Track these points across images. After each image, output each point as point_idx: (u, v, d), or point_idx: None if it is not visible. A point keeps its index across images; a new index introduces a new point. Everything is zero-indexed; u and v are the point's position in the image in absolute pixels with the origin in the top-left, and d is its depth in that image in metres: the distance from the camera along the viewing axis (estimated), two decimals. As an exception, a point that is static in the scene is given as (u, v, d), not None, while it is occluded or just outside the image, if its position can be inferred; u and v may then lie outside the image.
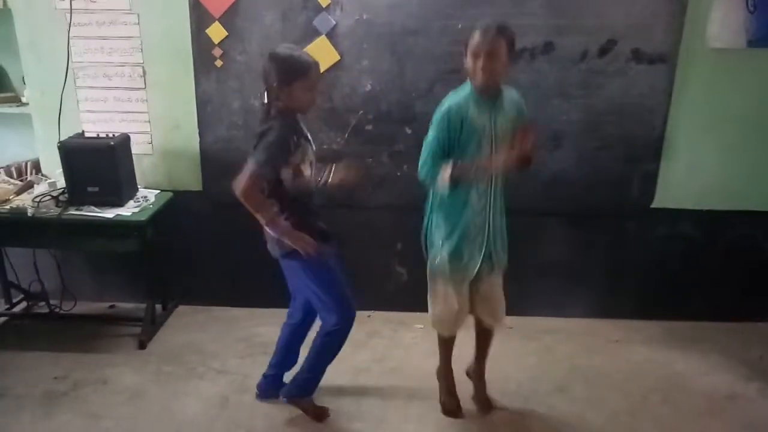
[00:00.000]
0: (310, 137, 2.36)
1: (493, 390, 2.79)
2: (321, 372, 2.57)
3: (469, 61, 2.24)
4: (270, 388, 2.70)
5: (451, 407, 2.65)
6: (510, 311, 3.34)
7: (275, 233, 2.26)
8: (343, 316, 2.41)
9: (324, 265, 2.37)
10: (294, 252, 2.29)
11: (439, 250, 2.43)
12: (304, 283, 2.43)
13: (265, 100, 2.26)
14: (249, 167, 2.16)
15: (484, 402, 2.70)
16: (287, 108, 2.24)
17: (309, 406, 2.62)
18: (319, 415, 2.62)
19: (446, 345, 2.64)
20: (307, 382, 2.58)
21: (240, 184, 2.15)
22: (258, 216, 2.21)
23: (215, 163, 3.19)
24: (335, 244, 2.46)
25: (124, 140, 3.06)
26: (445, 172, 2.24)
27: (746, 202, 3.21)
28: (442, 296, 2.50)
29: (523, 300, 3.37)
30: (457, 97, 2.30)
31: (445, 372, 2.69)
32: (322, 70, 2.97)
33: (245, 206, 2.18)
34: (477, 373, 2.72)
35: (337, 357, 3.03)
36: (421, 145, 2.34)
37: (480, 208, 2.37)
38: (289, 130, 2.23)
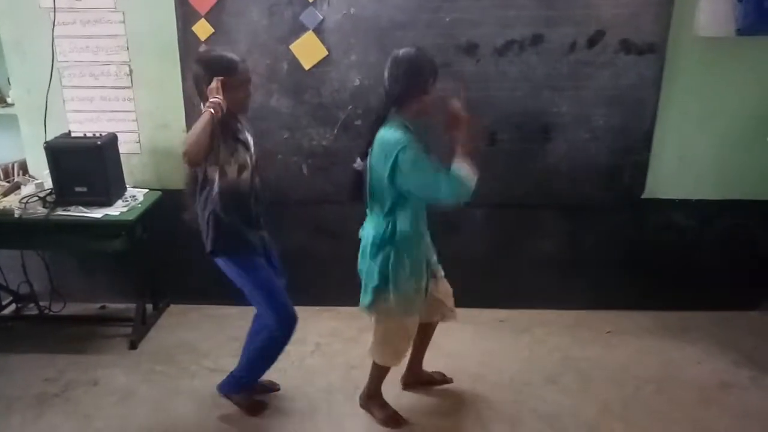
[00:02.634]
0: (249, 141, 2.34)
1: (486, 382, 2.81)
2: (258, 373, 2.56)
3: (426, 97, 2.18)
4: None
5: (399, 419, 2.58)
6: (502, 304, 3.38)
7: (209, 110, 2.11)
8: (281, 321, 2.40)
9: (256, 268, 2.37)
10: (223, 251, 2.32)
11: (404, 289, 2.31)
12: (240, 282, 2.41)
13: (201, 105, 2.24)
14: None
15: (440, 377, 2.78)
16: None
17: (243, 401, 2.61)
18: (255, 409, 2.61)
19: (386, 372, 2.58)
20: (242, 381, 2.58)
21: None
22: (200, 132, 2.07)
23: (204, 160, 3.17)
24: (274, 251, 2.48)
25: (112, 139, 3.04)
26: (464, 170, 2.12)
27: (737, 192, 3.21)
28: (404, 333, 2.42)
29: (514, 292, 3.39)
30: (398, 133, 2.16)
31: (379, 398, 2.60)
32: (310, 66, 3.02)
33: (193, 152, 2.09)
34: (419, 362, 2.74)
35: (330, 353, 3.04)
36: None
37: (425, 232, 2.38)
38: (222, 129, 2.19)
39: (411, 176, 2.14)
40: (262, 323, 2.50)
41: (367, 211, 2.39)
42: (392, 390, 2.69)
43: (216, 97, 2.12)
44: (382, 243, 2.28)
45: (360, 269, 2.42)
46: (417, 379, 2.77)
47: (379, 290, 2.32)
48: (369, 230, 2.34)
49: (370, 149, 2.23)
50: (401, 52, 2.20)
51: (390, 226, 2.26)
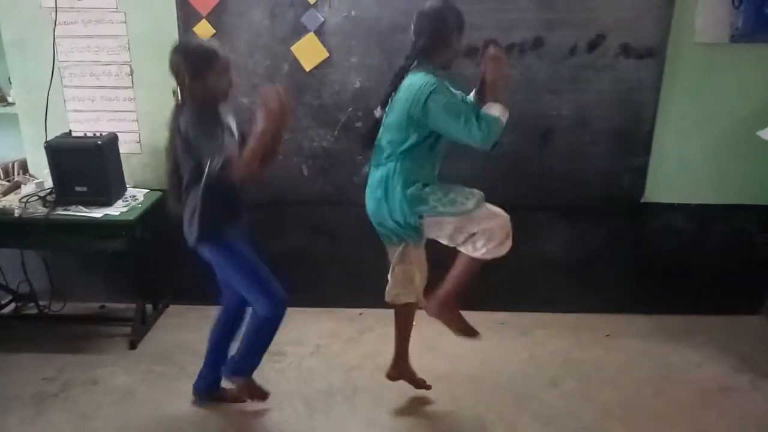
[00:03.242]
0: (233, 128, 2.33)
1: (485, 384, 2.80)
2: (257, 357, 2.54)
3: (456, 42, 2.25)
4: (208, 388, 2.68)
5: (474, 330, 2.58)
6: (502, 306, 3.38)
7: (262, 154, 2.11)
8: (271, 302, 2.39)
9: (236, 253, 2.36)
10: (215, 236, 2.31)
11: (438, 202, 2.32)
12: (226, 272, 2.41)
13: (179, 97, 2.25)
14: (221, 159, 2.10)
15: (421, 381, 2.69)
16: (206, 99, 2.20)
17: (245, 386, 2.58)
18: (257, 395, 2.59)
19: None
20: (243, 365, 2.55)
21: (239, 171, 2.10)
22: (257, 162, 2.11)
23: (204, 161, 3.17)
24: (245, 235, 2.45)
25: (112, 139, 3.04)
26: (495, 109, 2.16)
27: (736, 196, 3.22)
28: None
29: (514, 295, 3.38)
30: (427, 77, 2.21)
31: (457, 309, 2.53)
32: (310, 68, 3.03)
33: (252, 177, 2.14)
34: (405, 353, 2.64)
35: (329, 355, 3.04)
36: None
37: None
38: (208, 120, 2.20)
39: (442, 120, 2.16)
40: (229, 315, 2.57)
41: (372, 166, 2.40)
42: (390, 392, 2.69)
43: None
44: (390, 179, 2.30)
45: (377, 217, 2.41)
46: (403, 373, 2.65)
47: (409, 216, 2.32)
48: (376, 178, 2.35)
49: (391, 97, 2.26)
50: (427, 4, 2.25)
51: (398, 163, 2.28)
